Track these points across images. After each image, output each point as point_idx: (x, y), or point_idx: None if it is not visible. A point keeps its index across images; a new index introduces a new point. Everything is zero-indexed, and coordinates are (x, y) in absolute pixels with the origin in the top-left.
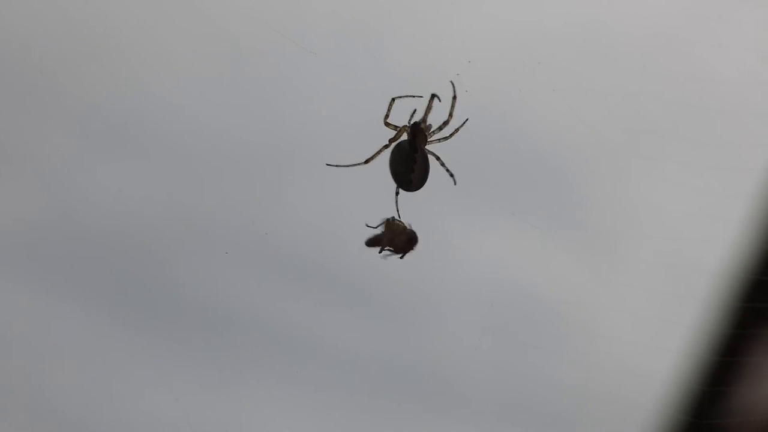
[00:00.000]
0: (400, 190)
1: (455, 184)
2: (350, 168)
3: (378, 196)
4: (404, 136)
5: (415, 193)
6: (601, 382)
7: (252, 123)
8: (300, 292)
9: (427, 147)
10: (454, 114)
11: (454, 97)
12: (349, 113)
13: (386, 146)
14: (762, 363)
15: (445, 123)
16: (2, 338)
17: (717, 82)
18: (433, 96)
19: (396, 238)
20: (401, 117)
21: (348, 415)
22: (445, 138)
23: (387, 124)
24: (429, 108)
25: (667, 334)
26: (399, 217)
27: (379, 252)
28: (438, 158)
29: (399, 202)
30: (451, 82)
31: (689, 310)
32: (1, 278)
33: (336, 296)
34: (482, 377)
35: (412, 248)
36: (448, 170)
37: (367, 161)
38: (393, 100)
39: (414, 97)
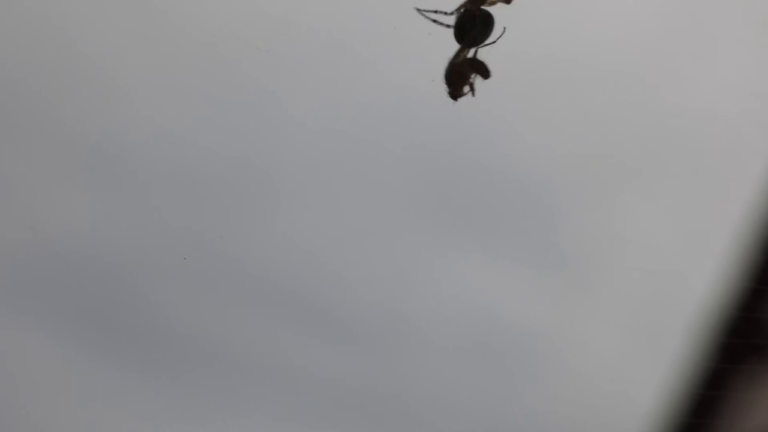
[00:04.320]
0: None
1: None
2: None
3: (359, 214)
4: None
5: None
6: (583, 414)
7: (228, 145)
8: (274, 315)
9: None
10: None
11: None
12: (333, 127)
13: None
14: (745, 397)
15: None
16: None
17: (701, 114)
18: None
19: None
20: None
21: None
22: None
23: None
24: None
25: (649, 368)
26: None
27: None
28: None
29: None
30: None
31: (671, 344)
32: None
33: (310, 320)
34: (454, 406)
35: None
36: None
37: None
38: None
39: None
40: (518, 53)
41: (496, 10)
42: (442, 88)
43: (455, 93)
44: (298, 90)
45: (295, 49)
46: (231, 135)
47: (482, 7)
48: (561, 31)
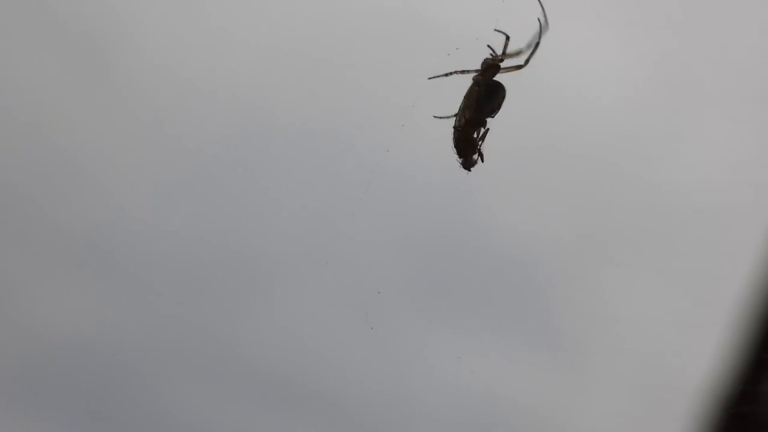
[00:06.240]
0: None
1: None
2: None
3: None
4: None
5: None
6: None
7: (219, 236)
8: (273, 408)
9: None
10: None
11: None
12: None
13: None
14: None
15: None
16: None
17: (690, 189)
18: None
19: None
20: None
21: None
22: (519, 66)
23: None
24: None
25: None
26: None
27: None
28: None
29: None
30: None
31: (668, 419)
32: None
33: (309, 409)
34: None
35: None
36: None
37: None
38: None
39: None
40: (515, 132)
41: (506, 80)
42: (454, 159)
43: (467, 163)
44: (285, 176)
45: (279, 134)
46: (221, 226)
47: (493, 78)
48: (557, 109)
